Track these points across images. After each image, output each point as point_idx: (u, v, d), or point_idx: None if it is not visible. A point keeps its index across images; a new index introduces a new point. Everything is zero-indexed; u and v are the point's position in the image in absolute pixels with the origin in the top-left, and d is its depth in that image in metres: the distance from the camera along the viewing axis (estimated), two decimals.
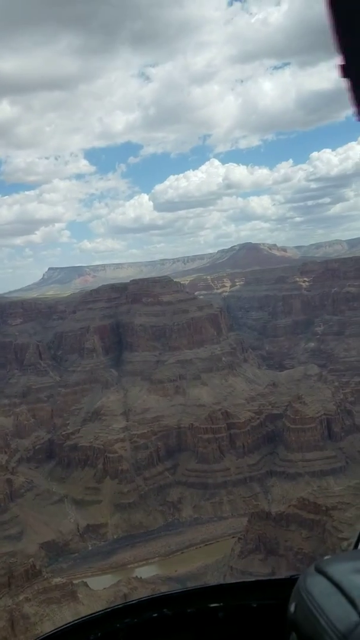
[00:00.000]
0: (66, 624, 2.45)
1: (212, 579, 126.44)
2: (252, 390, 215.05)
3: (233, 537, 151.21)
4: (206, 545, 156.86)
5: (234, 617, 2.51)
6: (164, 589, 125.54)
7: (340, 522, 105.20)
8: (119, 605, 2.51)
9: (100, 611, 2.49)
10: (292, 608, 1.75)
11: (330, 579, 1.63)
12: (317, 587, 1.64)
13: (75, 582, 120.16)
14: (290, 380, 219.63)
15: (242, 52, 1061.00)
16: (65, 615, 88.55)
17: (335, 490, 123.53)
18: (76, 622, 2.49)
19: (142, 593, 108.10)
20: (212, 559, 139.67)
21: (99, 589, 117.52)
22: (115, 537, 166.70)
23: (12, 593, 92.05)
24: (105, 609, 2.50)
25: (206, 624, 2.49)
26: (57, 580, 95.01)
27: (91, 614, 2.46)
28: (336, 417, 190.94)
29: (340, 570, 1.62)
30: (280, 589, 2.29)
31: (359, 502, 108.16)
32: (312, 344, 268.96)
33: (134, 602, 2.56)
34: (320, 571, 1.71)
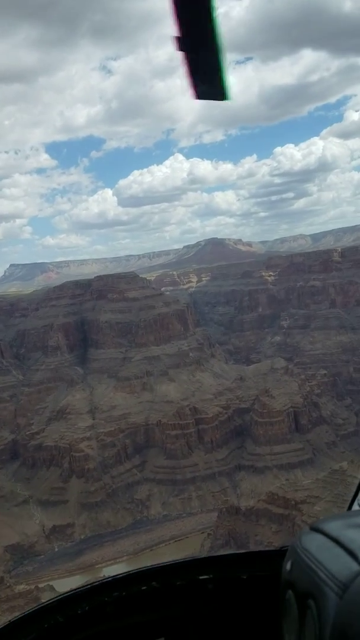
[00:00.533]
0: (52, 599, 2.42)
1: None
2: (219, 385, 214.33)
3: (202, 533, 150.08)
4: (175, 541, 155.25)
5: (224, 589, 2.50)
6: None
7: (310, 516, 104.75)
8: (107, 579, 2.50)
9: (87, 585, 2.47)
10: (287, 566, 1.73)
11: (327, 535, 1.63)
12: (314, 543, 1.65)
13: (40, 585, 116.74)
14: (257, 374, 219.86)
15: None
16: None
17: (304, 483, 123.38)
18: (63, 596, 2.44)
19: None
20: (182, 556, 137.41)
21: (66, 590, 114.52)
22: (82, 537, 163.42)
23: None
24: (93, 582, 2.50)
25: (196, 596, 2.47)
26: (21, 587, 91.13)
27: (77, 588, 2.45)
28: (303, 410, 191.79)
29: (337, 526, 1.61)
30: (271, 561, 2.31)
31: (327, 495, 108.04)
32: (278, 338, 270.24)
33: (122, 575, 2.55)
34: (317, 529, 1.72)
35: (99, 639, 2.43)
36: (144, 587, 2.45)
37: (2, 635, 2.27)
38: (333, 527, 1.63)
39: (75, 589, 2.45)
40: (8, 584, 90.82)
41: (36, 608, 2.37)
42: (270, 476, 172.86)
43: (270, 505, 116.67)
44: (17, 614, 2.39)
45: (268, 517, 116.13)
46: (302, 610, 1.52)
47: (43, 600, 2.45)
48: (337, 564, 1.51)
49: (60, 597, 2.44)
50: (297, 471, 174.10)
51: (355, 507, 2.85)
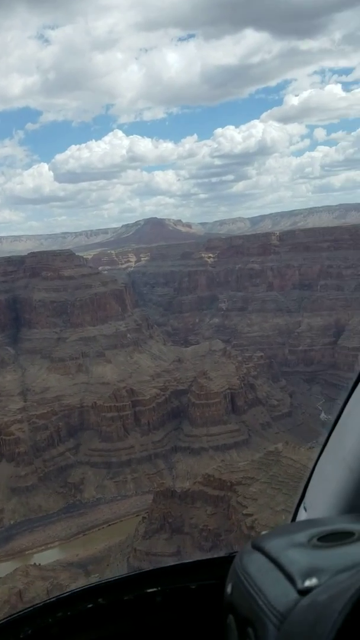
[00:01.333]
0: None
1: (116, 562, 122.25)
2: (157, 366, 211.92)
3: (137, 516, 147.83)
4: (109, 525, 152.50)
5: (172, 600, 2.39)
6: (65, 575, 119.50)
7: (245, 498, 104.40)
8: (51, 599, 2.37)
9: (30, 607, 2.35)
10: (228, 589, 1.66)
11: (267, 555, 1.55)
12: (254, 564, 1.57)
13: None
14: (195, 356, 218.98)
15: (147, 20, 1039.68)
16: None
17: (240, 465, 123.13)
18: (4, 620, 2.33)
19: (40, 586, 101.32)
20: (116, 540, 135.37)
21: None
22: (12, 522, 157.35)
23: None
24: (36, 603, 2.37)
25: (144, 610, 2.39)
26: None
27: (20, 611, 2.33)
28: (240, 392, 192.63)
29: (278, 545, 1.53)
30: (219, 568, 2.23)
31: (262, 477, 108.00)
32: (216, 320, 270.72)
33: (66, 594, 2.40)
34: (257, 547, 1.62)
35: None
36: (90, 605, 2.34)
37: None
38: (274, 546, 1.55)
39: (17, 612, 2.31)
40: None
41: None
42: (206, 457, 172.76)
43: (206, 487, 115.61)
44: None
45: (204, 500, 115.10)
46: (242, 637, 1.48)
47: None
48: (276, 590, 1.43)
49: (3, 620, 2.34)
50: (233, 452, 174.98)
51: (301, 511, 2.71)
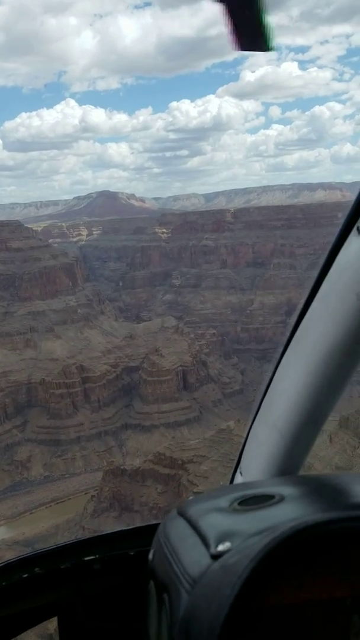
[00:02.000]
0: None
1: (63, 540, 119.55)
2: (108, 342, 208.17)
3: (86, 494, 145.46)
4: (57, 503, 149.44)
5: (111, 567, 2.38)
6: (10, 554, 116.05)
7: (196, 476, 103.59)
8: None
9: None
10: (150, 555, 1.63)
11: (188, 520, 1.51)
12: (175, 530, 1.54)
13: None
14: (147, 332, 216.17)
15: None
16: None
17: (191, 443, 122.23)
18: None
19: None
20: (64, 518, 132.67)
21: None
22: None
23: None
24: None
25: (82, 577, 2.36)
26: None
27: None
28: (192, 369, 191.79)
29: (199, 510, 1.50)
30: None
31: (214, 455, 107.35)
32: (169, 296, 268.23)
33: (1, 564, 2.36)
34: (181, 513, 1.58)
35: None
36: (26, 575, 2.30)
37: None
38: (195, 510, 1.51)
39: None
40: None
41: None
42: (157, 434, 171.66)
43: (156, 466, 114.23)
44: None
45: (154, 478, 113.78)
46: (160, 603, 1.45)
47: None
48: (191, 555, 1.39)
49: None
50: (184, 429, 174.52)
51: (237, 476, 2.68)
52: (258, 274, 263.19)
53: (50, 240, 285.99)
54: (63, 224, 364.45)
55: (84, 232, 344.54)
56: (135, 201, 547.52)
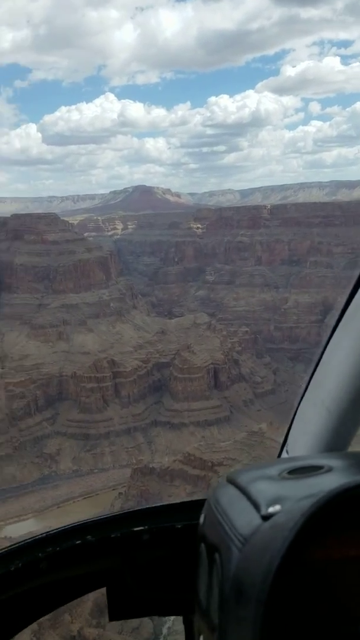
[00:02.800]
0: None
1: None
2: (140, 337, 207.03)
3: (114, 490, 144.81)
4: (85, 498, 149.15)
5: (159, 538, 2.51)
6: None
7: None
8: (40, 535, 2.49)
9: (20, 542, 2.50)
10: (201, 519, 1.72)
11: (238, 486, 1.59)
12: (224, 495, 1.62)
13: None
14: (179, 328, 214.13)
15: None
16: None
17: (222, 445, 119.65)
18: None
19: None
20: (90, 514, 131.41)
21: None
22: None
23: None
24: (26, 539, 2.50)
25: (131, 547, 2.51)
26: None
27: (10, 545, 2.48)
28: (223, 367, 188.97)
29: (249, 477, 1.59)
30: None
31: (245, 458, 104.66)
32: (202, 292, 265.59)
33: (55, 531, 2.51)
34: (230, 480, 1.67)
35: (36, 593, 2.48)
36: (78, 542, 2.44)
37: None
38: (244, 478, 1.60)
39: (6, 547, 2.45)
40: None
41: None
42: (187, 433, 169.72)
43: (185, 466, 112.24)
44: None
45: (183, 478, 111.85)
46: (211, 563, 1.54)
47: None
48: (242, 517, 1.48)
49: None
50: (214, 429, 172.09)
51: (283, 454, 2.82)
52: (293, 272, 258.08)
53: (86, 234, 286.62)
54: (99, 218, 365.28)
55: (119, 226, 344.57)
56: (170, 196, 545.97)
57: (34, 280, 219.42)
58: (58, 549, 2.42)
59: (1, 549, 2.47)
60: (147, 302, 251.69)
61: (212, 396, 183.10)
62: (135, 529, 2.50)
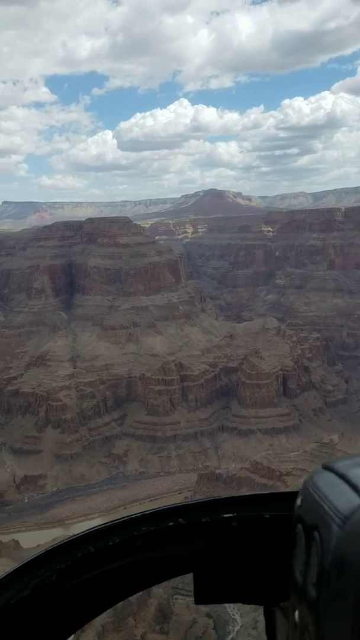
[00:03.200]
0: (85, 531, 2.71)
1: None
2: (208, 341, 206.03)
3: (180, 493, 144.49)
4: (151, 501, 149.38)
5: (247, 526, 2.69)
6: None
7: (294, 489, 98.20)
8: (136, 514, 2.72)
9: (116, 519, 2.73)
10: (298, 502, 1.93)
11: (336, 472, 1.78)
12: (322, 480, 1.81)
13: (4, 540, 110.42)
14: (247, 332, 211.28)
15: None
16: None
17: (291, 455, 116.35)
18: (94, 528, 2.71)
19: None
20: None
21: (31, 545, 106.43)
22: (54, 489, 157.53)
23: None
24: (122, 517, 2.74)
25: (220, 532, 2.68)
26: None
27: (108, 522, 2.71)
28: (293, 374, 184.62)
29: (347, 464, 1.77)
30: (292, 501, 2.42)
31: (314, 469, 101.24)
32: (272, 297, 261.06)
33: (150, 511, 2.75)
34: (328, 468, 1.86)
35: (129, 569, 2.68)
36: (171, 523, 2.65)
37: (37, 562, 2.54)
38: (343, 465, 1.79)
39: (105, 523, 2.69)
40: None
41: (69, 539, 2.64)
42: (254, 440, 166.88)
43: (253, 474, 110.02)
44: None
45: (250, 487, 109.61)
46: (309, 542, 1.72)
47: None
48: (341, 498, 1.68)
49: (92, 529, 2.70)
50: (282, 437, 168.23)
51: None
52: None
53: (157, 237, 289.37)
54: (170, 221, 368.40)
55: (190, 229, 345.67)
56: (241, 199, 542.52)
57: (105, 282, 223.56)
58: (152, 528, 2.62)
59: (100, 525, 2.68)
60: (215, 305, 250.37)
61: (281, 403, 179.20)
62: (225, 515, 2.66)
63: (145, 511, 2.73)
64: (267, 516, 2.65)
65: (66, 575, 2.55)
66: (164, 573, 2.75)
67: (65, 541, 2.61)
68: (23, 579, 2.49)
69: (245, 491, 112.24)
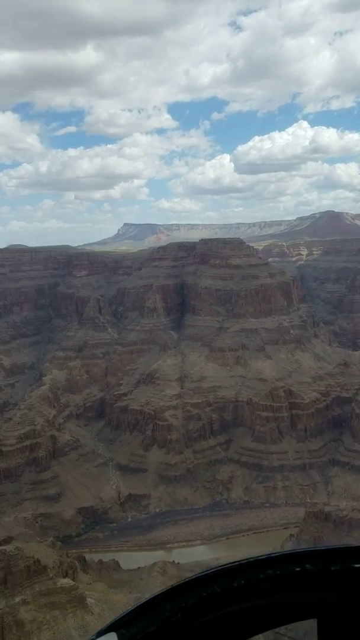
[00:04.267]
0: (211, 569, 2.69)
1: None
2: (320, 368, 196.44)
3: (285, 529, 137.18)
4: (255, 533, 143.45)
5: None
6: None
7: None
8: (262, 556, 2.67)
9: (242, 560, 2.69)
10: None
11: None
12: None
13: (105, 559, 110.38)
14: None
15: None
16: (70, 624, 76.25)
17: None
18: (220, 568, 2.67)
19: None
20: (258, 552, 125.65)
21: (114, 593, 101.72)
22: (157, 510, 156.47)
23: (7, 593, 78.58)
24: (249, 558, 2.69)
25: (350, 583, 2.53)
26: (64, 581, 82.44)
27: (233, 562, 2.66)
28: None
29: None
30: None
31: None
32: None
33: (276, 554, 2.70)
34: None
35: (252, 612, 2.59)
36: (298, 569, 2.57)
37: (163, 598, 2.53)
38: None
39: (231, 563, 2.64)
40: (50, 575, 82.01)
41: (195, 577, 2.60)
42: None
43: None
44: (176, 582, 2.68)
45: None
46: None
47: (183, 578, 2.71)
48: None
49: (218, 569, 2.66)
50: None
51: None
52: None
53: (270, 259, 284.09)
54: (283, 243, 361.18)
55: (304, 251, 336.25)
56: None
57: (216, 303, 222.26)
58: (278, 572, 2.58)
59: (226, 565, 2.69)
60: (329, 331, 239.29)
61: None
62: (356, 565, 2.54)
63: (271, 553, 2.68)
64: None
65: (191, 613, 2.51)
66: (286, 617, 2.66)
67: (190, 578, 2.59)
68: (150, 614, 2.48)
69: (357, 535, 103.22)
